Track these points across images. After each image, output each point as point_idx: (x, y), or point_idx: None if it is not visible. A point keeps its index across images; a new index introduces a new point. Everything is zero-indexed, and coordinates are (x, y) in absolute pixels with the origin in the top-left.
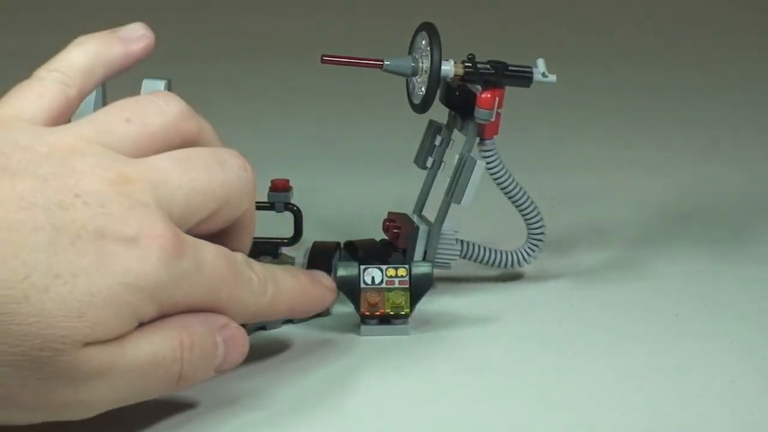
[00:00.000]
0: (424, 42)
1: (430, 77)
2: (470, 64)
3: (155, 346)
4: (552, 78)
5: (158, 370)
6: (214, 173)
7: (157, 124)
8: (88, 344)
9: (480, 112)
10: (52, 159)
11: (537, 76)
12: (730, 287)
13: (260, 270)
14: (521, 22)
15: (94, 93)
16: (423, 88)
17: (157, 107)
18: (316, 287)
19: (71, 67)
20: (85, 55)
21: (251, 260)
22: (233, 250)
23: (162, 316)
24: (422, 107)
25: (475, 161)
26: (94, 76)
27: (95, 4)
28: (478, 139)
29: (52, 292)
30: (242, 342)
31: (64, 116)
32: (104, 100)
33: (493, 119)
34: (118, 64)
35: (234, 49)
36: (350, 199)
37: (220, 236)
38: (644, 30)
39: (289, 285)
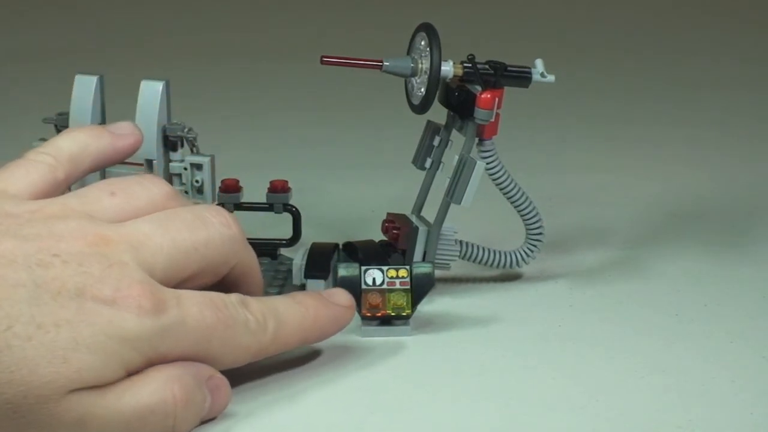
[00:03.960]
0: (423, 42)
1: (429, 78)
2: (470, 65)
3: (144, 399)
4: (551, 78)
5: (148, 424)
6: (197, 232)
7: (142, 199)
8: (72, 391)
9: (480, 113)
10: (34, 222)
11: (536, 77)
12: (730, 287)
13: (258, 308)
14: (521, 23)
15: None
16: (422, 89)
17: (143, 186)
18: (329, 309)
19: (60, 152)
20: (75, 143)
21: (248, 299)
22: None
23: (150, 365)
24: (421, 108)
25: (475, 162)
26: (82, 164)
27: (97, 4)
28: (477, 140)
29: (36, 341)
30: (226, 393)
31: (50, 195)
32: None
33: (492, 119)
34: (106, 156)
35: (234, 49)
36: (349, 199)
37: (225, 285)
38: (644, 31)
39: (293, 316)
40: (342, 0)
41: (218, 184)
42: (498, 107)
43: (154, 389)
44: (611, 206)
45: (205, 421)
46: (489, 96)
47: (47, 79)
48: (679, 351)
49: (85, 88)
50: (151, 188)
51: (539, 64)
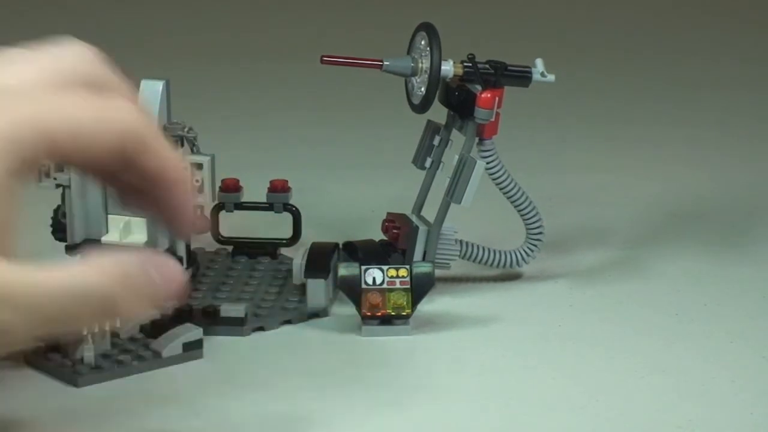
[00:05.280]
0: (423, 42)
1: (430, 77)
2: (470, 64)
3: (77, 278)
4: (551, 77)
5: (84, 305)
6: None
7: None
8: None
9: (480, 112)
10: None
11: (536, 76)
12: (730, 287)
13: None
14: (521, 23)
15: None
16: (422, 89)
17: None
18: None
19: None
20: None
21: None
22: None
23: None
24: (422, 107)
25: (475, 161)
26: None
27: (97, 4)
28: (477, 139)
29: None
30: (175, 270)
31: None
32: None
33: (492, 119)
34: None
35: (234, 49)
36: (349, 199)
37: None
38: (644, 31)
39: None
40: (342, 0)
41: (218, 183)
42: (498, 107)
43: (87, 269)
44: (611, 206)
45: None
46: (489, 95)
47: None
48: (679, 351)
49: None
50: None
51: (539, 64)
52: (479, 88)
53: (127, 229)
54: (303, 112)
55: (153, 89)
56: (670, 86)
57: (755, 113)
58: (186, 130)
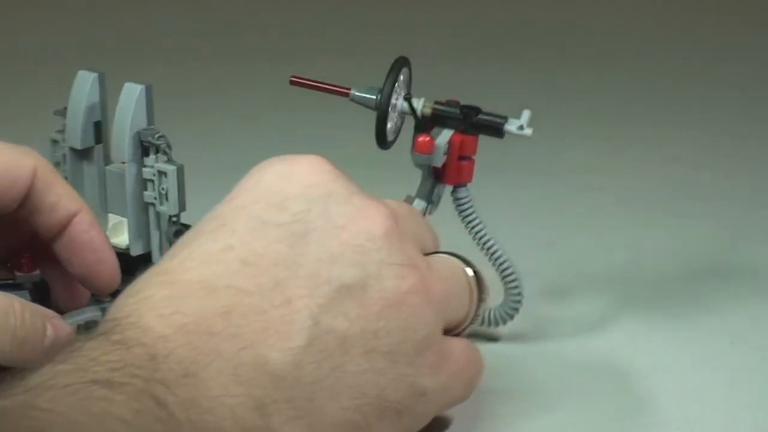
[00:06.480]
0: (401, 77)
1: (377, 113)
2: (439, 106)
3: None
4: (528, 132)
5: None
6: None
7: None
8: None
9: (415, 157)
10: None
11: (510, 128)
12: (730, 288)
13: None
14: (518, 26)
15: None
16: (390, 124)
17: None
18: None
19: None
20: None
21: None
22: None
23: None
24: (377, 142)
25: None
26: None
27: (95, 3)
28: (452, 187)
29: None
30: (67, 330)
31: None
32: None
33: (438, 164)
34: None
35: (233, 50)
36: None
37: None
38: (643, 33)
39: None
40: (344, 3)
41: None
42: (470, 153)
43: None
44: (611, 207)
45: None
46: (426, 140)
47: (46, 80)
48: (679, 351)
49: (83, 84)
50: None
51: (524, 116)
52: (451, 131)
53: (116, 229)
54: (303, 115)
55: (132, 92)
56: (669, 89)
57: (754, 114)
58: (156, 136)
